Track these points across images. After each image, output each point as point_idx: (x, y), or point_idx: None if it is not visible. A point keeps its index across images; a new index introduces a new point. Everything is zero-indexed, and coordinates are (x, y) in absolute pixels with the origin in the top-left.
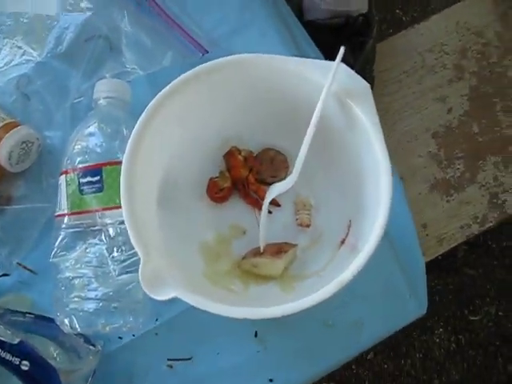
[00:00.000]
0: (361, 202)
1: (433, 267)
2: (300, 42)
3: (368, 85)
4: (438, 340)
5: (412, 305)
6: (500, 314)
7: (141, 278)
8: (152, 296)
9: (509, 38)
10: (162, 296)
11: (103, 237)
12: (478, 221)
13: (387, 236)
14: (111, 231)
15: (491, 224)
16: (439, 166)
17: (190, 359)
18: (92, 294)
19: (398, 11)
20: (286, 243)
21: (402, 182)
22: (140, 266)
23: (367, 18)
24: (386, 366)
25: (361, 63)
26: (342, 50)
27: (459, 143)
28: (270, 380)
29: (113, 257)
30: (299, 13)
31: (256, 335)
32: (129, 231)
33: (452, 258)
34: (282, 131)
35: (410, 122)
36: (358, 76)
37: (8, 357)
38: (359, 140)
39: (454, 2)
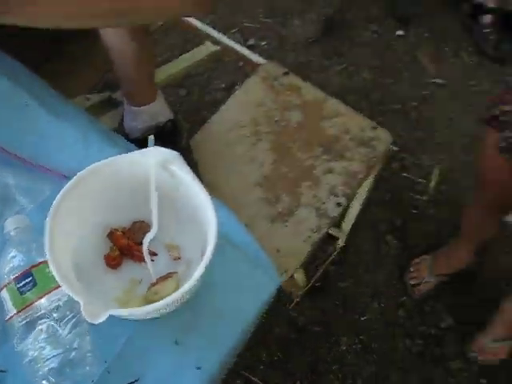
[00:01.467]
0: (203, 228)
1: (313, 297)
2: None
3: (177, 152)
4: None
5: (265, 280)
6: (382, 305)
7: (84, 313)
8: (94, 322)
9: (281, 100)
10: (101, 318)
11: (48, 314)
12: (315, 230)
13: (229, 242)
14: (53, 307)
15: (325, 230)
16: (270, 205)
17: (137, 380)
18: (50, 356)
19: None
20: (169, 272)
21: (246, 227)
22: (81, 307)
23: (174, 122)
24: None
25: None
26: (151, 137)
27: (278, 184)
28: (198, 368)
29: (59, 323)
30: (126, 135)
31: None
32: (66, 290)
33: (324, 281)
34: (140, 206)
35: (235, 183)
36: (168, 149)
37: None
38: (186, 189)
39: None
